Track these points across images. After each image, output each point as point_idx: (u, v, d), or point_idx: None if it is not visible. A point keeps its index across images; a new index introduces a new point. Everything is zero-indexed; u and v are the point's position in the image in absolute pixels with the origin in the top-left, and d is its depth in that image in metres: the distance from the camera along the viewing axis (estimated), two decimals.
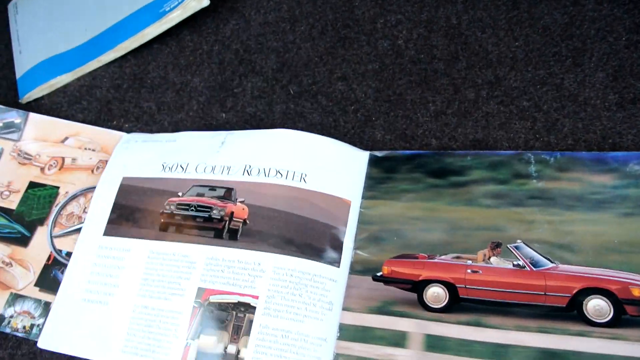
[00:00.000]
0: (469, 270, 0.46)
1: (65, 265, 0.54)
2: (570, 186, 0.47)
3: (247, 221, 0.51)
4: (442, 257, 0.47)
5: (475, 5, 0.60)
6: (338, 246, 0.49)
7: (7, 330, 0.52)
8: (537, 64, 0.56)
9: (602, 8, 0.57)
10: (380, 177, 0.52)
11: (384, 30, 0.61)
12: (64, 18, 0.68)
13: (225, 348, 0.46)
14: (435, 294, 0.46)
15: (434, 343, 0.44)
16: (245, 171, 0.53)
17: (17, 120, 0.63)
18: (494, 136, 0.53)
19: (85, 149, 0.60)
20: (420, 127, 0.55)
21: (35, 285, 0.54)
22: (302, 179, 0.52)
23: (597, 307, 0.42)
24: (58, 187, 0.59)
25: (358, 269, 0.48)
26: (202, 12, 0.63)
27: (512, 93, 0.55)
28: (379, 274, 0.48)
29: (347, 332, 0.46)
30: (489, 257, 0.46)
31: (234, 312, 0.47)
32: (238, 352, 0.46)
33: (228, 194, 0.53)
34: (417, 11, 0.61)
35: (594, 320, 0.42)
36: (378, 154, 0.53)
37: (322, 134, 0.55)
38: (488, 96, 0.55)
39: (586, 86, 0.54)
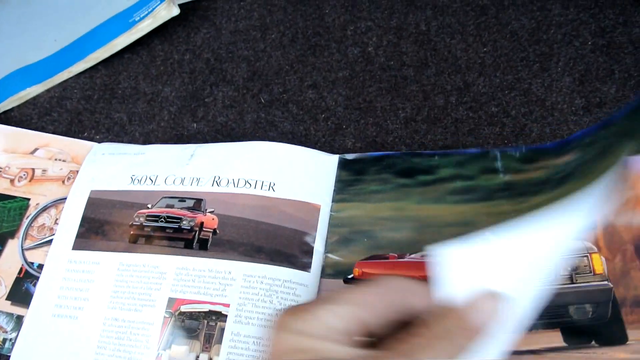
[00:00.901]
0: None
1: (37, 278, 0.53)
2: (536, 174, 0.48)
3: (217, 231, 0.51)
4: (412, 255, 0.47)
5: (444, 11, 0.61)
6: (308, 251, 0.49)
7: None
8: (505, 69, 0.56)
9: (568, 12, 0.58)
10: (350, 180, 0.52)
11: (354, 37, 0.61)
12: (33, 29, 0.67)
13: (197, 357, 0.46)
14: None
15: None
16: (215, 182, 0.53)
17: None
18: (463, 142, 0.53)
19: (56, 159, 0.60)
20: (391, 135, 0.55)
21: (7, 299, 0.53)
22: (271, 188, 0.52)
23: None
24: (28, 199, 0.58)
25: (329, 272, 0.49)
26: (173, 21, 0.63)
27: (480, 99, 0.55)
28: (350, 276, 0.48)
29: None
30: None
31: (205, 321, 0.47)
32: None
33: (197, 204, 0.53)
34: (386, 17, 0.61)
35: None
36: (348, 156, 0.53)
37: (293, 143, 0.55)
38: (457, 102, 0.55)
39: (553, 91, 0.54)
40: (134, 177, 0.55)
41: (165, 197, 0.54)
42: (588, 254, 0.44)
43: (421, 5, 0.61)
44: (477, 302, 0.28)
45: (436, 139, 0.54)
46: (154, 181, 0.55)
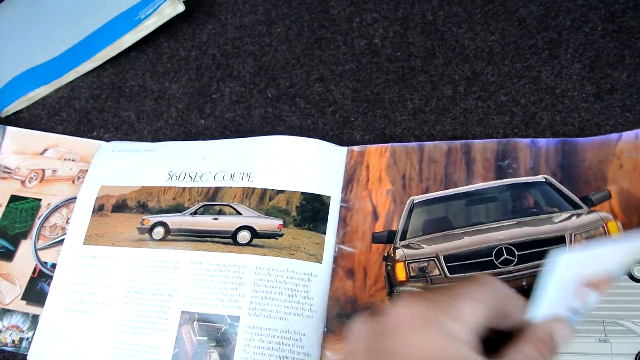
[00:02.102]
0: None
1: (51, 277, 0.54)
2: None
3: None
4: None
5: (451, 1, 0.60)
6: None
7: None
8: (513, 57, 0.56)
9: None
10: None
11: (360, 29, 0.61)
12: (40, 30, 0.67)
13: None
14: None
15: None
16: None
17: None
18: (472, 132, 0.53)
19: (65, 159, 0.60)
20: (399, 126, 0.54)
21: (22, 298, 0.54)
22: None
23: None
24: (40, 200, 0.58)
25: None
26: (178, 17, 0.63)
27: (489, 88, 0.55)
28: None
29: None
30: None
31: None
32: None
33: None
34: (392, 8, 0.61)
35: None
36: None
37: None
38: (466, 92, 0.55)
39: (563, 78, 0.54)
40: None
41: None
42: (603, 223, 0.44)
43: None
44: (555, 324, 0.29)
45: (445, 129, 0.53)
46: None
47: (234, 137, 0.57)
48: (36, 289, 0.54)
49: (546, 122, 0.52)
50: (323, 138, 0.55)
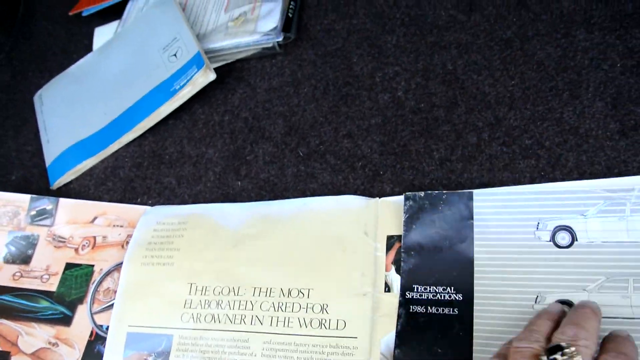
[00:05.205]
0: None
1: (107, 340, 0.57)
2: None
3: None
4: None
5: (469, 49, 0.62)
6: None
7: None
8: (535, 100, 0.57)
9: (593, 37, 0.58)
10: None
11: (383, 84, 0.63)
12: (84, 106, 0.73)
13: None
14: None
15: None
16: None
17: (49, 207, 0.67)
18: (499, 178, 0.54)
19: (114, 226, 0.64)
20: (427, 177, 0.56)
21: None
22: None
23: None
24: (93, 265, 0.62)
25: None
26: (211, 85, 0.67)
27: (513, 133, 0.56)
28: None
29: None
30: None
31: None
32: None
33: None
34: (412, 60, 0.63)
35: None
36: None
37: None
38: (490, 138, 0.56)
39: (586, 117, 0.54)
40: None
41: None
42: None
43: (445, 45, 0.63)
44: None
45: (472, 177, 0.55)
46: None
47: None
48: (94, 352, 0.57)
49: (572, 163, 0.52)
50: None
